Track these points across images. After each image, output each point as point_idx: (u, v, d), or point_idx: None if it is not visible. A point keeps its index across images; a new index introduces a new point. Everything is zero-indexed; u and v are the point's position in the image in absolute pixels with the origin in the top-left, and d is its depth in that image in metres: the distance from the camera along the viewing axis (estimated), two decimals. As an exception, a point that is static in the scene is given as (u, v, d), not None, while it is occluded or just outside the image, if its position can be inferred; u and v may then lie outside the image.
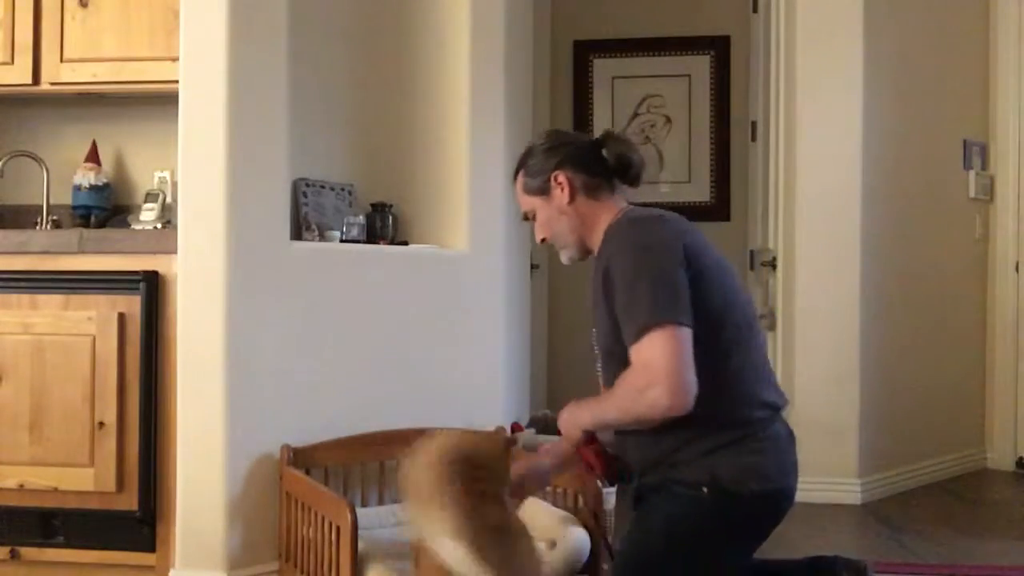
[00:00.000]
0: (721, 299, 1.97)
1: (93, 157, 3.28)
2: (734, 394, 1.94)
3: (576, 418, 2.04)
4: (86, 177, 3.24)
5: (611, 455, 2.08)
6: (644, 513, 2.03)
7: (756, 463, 1.93)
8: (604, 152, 2.14)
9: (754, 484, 1.92)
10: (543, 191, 2.14)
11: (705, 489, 1.92)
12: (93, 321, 2.65)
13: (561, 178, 2.12)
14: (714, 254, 2.04)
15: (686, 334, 1.85)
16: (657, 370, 1.82)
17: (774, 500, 1.98)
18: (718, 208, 5.34)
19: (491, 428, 2.94)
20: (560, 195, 2.12)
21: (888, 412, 4.01)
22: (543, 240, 2.20)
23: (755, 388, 1.97)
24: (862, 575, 2.05)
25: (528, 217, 2.22)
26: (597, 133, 2.23)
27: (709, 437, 1.92)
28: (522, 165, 2.19)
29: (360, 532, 2.18)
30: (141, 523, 2.64)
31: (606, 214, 2.11)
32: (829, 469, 3.87)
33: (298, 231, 2.97)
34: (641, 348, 1.86)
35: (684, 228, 2.03)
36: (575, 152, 2.15)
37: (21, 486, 2.67)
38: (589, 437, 2.05)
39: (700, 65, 5.43)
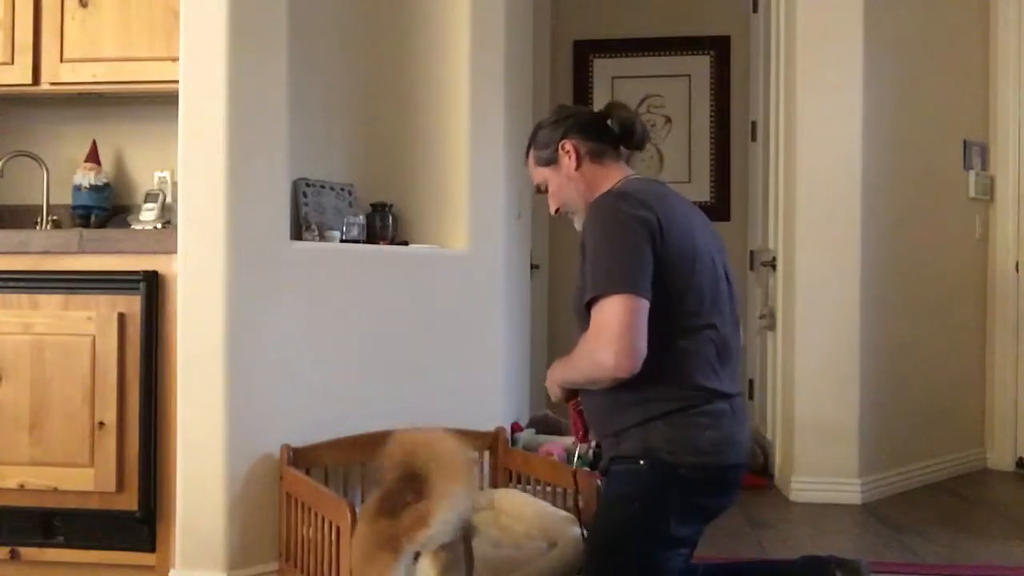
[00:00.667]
0: (682, 283, 2.00)
1: (93, 157, 3.29)
2: (673, 372, 1.99)
3: (554, 376, 2.17)
4: (86, 177, 3.24)
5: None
6: (601, 498, 2.13)
7: (688, 436, 1.98)
8: (609, 121, 2.22)
9: (688, 456, 1.97)
10: (552, 161, 2.23)
11: (642, 461, 1.99)
12: (93, 321, 2.65)
13: (568, 146, 2.19)
14: (697, 242, 2.06)
15: (641, 304, 1.92)
16: (607, 333, 1.90)
17: (715, 473, 2.01)
18: (718, 208, 5.35)
19: (491, 428, 2.95)
20: (568, 162, 2.20)
21: (888, 412, 4.00)
22: (557, 211, 2.27)
23: (695, 373, 2.00)
24: (857, 574, 2.06)
25: (541, 189, 2.29)
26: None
27: (644, 406, 1.99)
28: (532, 141, 2.28)
29: (360, 532, 2.18)
30: (141, 523, 2.64)
31: (611, 180, 2.16)
32: (829, 469, 3.87)
33: (298, 231, 2.97)
34: (596, 312, 1.94)
35: (664, 208, 2.04)
36: (581, 121, 2.24)
37: (21, 486, 2.67)
38: (569, 394, 2.18)
39: (700, 65, 5.44)
